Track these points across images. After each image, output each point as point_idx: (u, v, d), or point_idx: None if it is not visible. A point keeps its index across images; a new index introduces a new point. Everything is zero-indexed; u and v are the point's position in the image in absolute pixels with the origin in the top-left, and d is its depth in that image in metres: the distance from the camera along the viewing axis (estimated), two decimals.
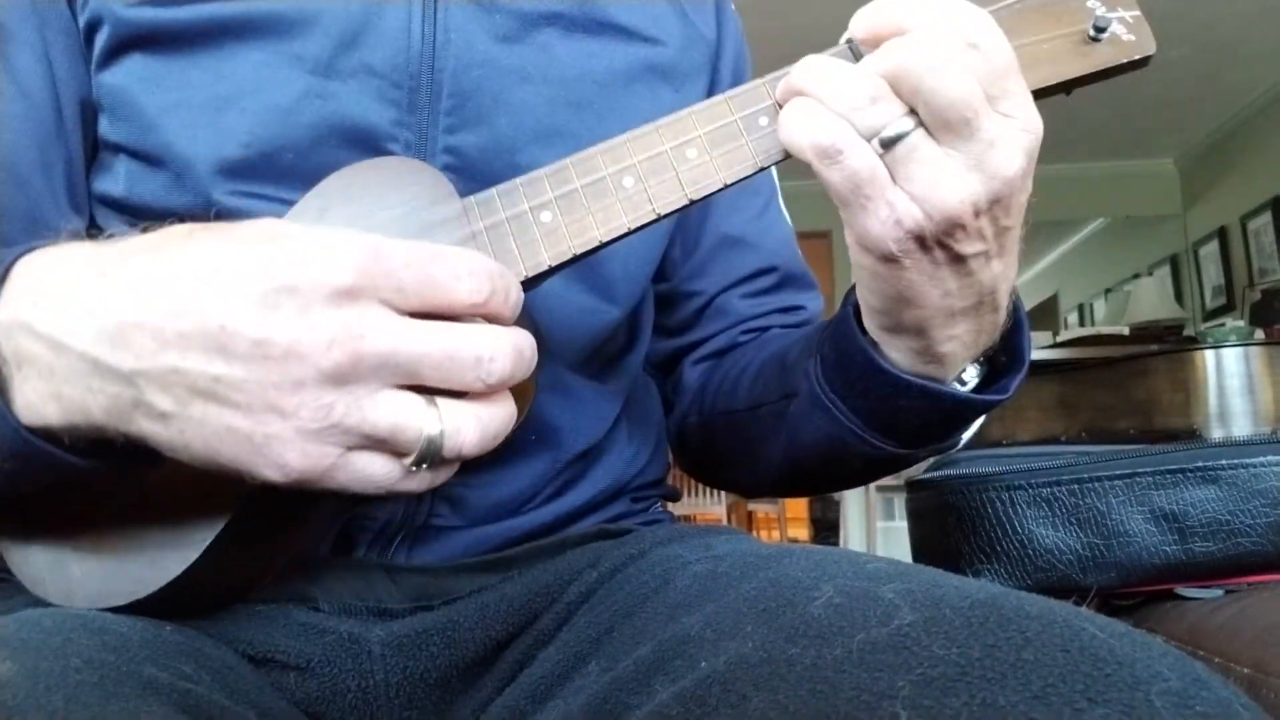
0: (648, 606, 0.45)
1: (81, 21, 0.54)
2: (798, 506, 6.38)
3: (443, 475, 0.39)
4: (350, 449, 0.36)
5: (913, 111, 0.41)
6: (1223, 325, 3.35)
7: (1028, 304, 0.51)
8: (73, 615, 0.41)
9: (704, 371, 0.68)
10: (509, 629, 0.51)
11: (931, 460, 0.83)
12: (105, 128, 0.54)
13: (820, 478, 0.61)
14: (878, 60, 0.41)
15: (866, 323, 0.49)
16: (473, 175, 0.52)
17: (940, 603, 0.33)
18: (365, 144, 0.52)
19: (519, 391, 0.42)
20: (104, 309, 0.35)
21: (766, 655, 0.34)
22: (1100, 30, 0.46)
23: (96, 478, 0.40)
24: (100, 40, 0.54)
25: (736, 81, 0.68)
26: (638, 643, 0.42)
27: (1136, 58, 0.47)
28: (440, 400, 0.37)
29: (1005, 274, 0.46)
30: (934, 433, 0.52)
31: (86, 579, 0.46)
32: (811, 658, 0.33)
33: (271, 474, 0.35)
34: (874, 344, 0.49)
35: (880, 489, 4.88)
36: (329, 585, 0.51)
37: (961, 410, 0.50)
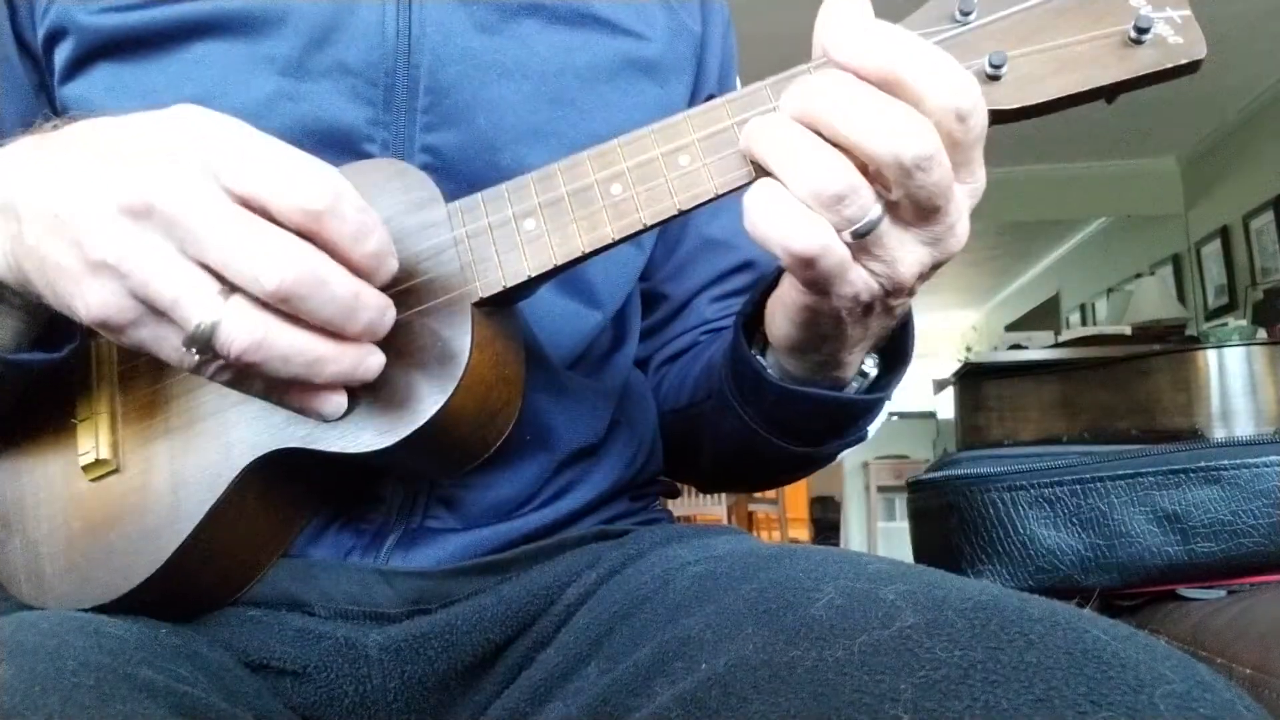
0: (647, 607, 0.45)
1: (40, 34, 0.54)
2: (798, 507, 6.38)
3: (230, 376, 0.39)
4: (149, 312, 0.37)
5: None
6: (1225, 325, 3.34)
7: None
8: (69, 617, 0.40)
9: (664, 374, 0.68)
10: (507, 631, 0.50)
11: (933, 460, 0.83)
12: None
13: (742, 472, 0.64)
14: (868, 133, 0.37)
15: (775, 343, 0.49)
16: (453, 175, 0.51)
17: (942, 604, 0.33)
18: (341, 145, 0.51)
19: (478, 412, 0.43)
20: (29, 171, 0.40)
21: (767, 657, 0.34)
22: (1142, 31, 0.41)
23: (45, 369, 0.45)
24: (63, 52, 0.53)
25: (723, 75, 0.67)
26: (637, 644, 0.42)
27: (1183, 63, 0.42)
28: (236, 297, 0.36)
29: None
30: (832, 431, 0.54)
31: (57, 581, 0.47)
32: (813, 660, 0.33)
33: (80, 309, 0.37)
34: (763, 352, 0.51)
35: (881, 489, 4.88)
36: (324, 589, 0.50)
37: (848, 410, 0.52)
